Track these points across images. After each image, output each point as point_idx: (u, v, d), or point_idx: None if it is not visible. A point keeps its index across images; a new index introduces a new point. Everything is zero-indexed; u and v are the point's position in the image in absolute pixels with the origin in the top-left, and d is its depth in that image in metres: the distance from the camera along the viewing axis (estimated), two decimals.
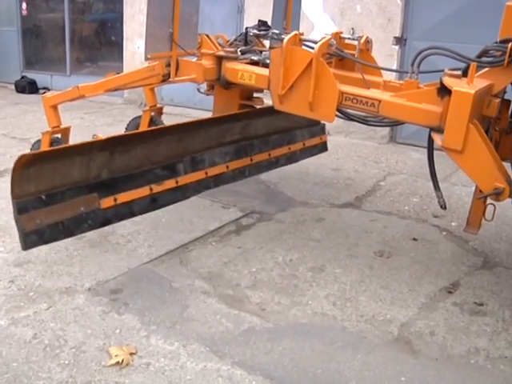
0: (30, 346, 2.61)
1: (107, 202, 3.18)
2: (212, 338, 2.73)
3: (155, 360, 2.55)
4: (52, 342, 2.64)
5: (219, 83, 4.09)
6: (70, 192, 3.02)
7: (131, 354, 2.57)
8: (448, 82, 2.82)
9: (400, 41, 6.56)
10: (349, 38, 3.81)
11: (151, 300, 3.04)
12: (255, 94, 4.49)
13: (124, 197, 3.26)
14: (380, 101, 3.09)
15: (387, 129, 6.68)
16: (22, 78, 10.24)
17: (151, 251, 3.63)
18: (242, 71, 3.78)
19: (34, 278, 3.22)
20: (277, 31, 4.10)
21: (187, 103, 8.16)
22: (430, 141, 3.07)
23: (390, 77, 3.71)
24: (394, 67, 6.39)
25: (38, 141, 4.73)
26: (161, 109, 5.36)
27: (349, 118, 3.40)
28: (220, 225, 4.10)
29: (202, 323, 2.85)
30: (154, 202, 3.46)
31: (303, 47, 3.46)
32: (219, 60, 3.93)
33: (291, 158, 4.66)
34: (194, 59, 4.00)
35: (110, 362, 2.50)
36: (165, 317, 2.89)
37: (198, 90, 4.55)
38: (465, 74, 2.86)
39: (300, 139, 4.72)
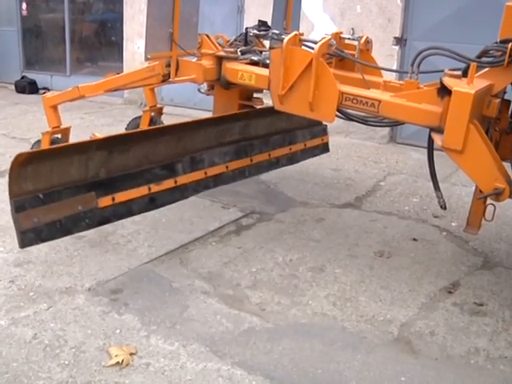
0: (30, 346, 2.61)
1: (105, 201, 3.18)
2: (212, 338, 2.73)
3: (155, 360, 2.55)
4: (52, 342, 2.64)
5: (219, 83, 4.09)
6: (67, 191, 3.02)
7: (131, 354, 2.57)
8: (448, 82, 2.82)
9: (400, 41, 6.56)
10: (349, 39, 3.81)
11: (151, 300, 3.04)
12: (255, 95, 4.49)
13: (122, 196, 3.27)
14: (380, 101, 3.09)
15: (387, 129, 6.68)
16: (22, 78, 10.24)
17: (151, 251, 3.63)
18: (242, 71, 3.78)
19: (34, 278, 3.22)
20: (277, 31, 4.10)
21: (187, 103, 8.16)
22: (430, 141, 3.07)
23: (390, 77, 3.71)
24: (394, 67, 6.39)
25: (38, 141, 4.73)
26: (161, 109, 5.36)
27: (349, 118, 3.40)
28: (220, 225, 4.10)
29: (202, 323, 2.85)
30: (153, 202, 3.46)
31: (303, 47, 3.46)
32: (219, 60, 3.93)
33: (292, 159, 4.65)
34: (194, 59, 4.00)
35: (110, 362, 2.50)
36: (165, 317, 2.89)
37: (199, 90, 4.55)
38: (465, 74, 2.86)
39: (301, 140, 4.71)
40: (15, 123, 7.36)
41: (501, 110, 3.05)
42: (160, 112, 5.34)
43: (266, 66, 3.69)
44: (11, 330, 2.72)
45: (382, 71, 3.80)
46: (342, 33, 3.78)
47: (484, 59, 2.97)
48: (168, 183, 3.53)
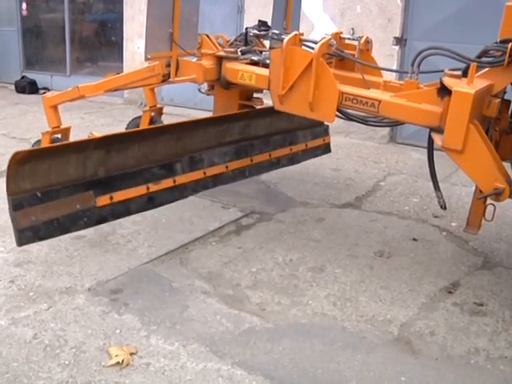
0: (30, 346, 2.61)
1: (103, 200, 3.18)
2: (212, 338, 2.73)
3: (155, 360, 2.55)
4: (52, 342, 2.64)
5: (219, 83, 4.09)
6: (65, 189, 3.03)
7: (131, 354, 2.57)
8: (448, 82, 2.82)
9: (400, 41, 6.56)
10: (349, 39, 3.81)
11: (151, 300, 3.04)
12: (255, 95, 4.49)
13: (120, 195, 3.27)
14: (380, 101, 3.09)
15: (387, 129, 6.68)
16: (22, 78, 10.24)
17: (151, 251, 3.63)
18: (242, 71, 3.78)
19: (34, 278, 3.22)
20: (277, 31, 4.10)
21: (187, 103, 8.16)
22: (430, 141, 3.07)
23: (390, 77, 3.71)
24: (394, 67, 6.39)
25: (38, 141, 4.73)
26: (161, 109, 5.36)
27: (349, 118, 3.40)
28: (220, 225, 4.10)
29: (202, 323, 2.85)
30: (151, 201, 3.46)
31: (303, 47, 3.46)
32: (219, 60, 3.93)
33: (293, 159, 4.64)
34: (194, 59, 4.00)
35: (110, 362, 2.50)
36: (165, 317, 2.89)
37: (199, 90, 4.55)
38: (465, 74, 2.86)
39: (302, 140, 4.70)
40: (15, 123, 7.36)
41: (501, 110, 3.05)
42: (160, 112, 5.34)
43: (266, 66, 3.69)
44: (11, 329, 2.72)
45: (382, 71, 3.80)
46: (342, 33, 3.78)
47: (484, 59, 2.97)
48: (167, 183, 3.53)
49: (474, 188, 3.44)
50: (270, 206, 4.54)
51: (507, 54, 2.83)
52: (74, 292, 3.09)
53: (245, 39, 4.16)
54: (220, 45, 4.09)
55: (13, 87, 10.13)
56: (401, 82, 3.26)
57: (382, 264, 3.59)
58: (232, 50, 4.00)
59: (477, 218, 3.36)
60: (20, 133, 6.74)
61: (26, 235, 2.89)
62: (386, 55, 6.37)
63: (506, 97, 3.18)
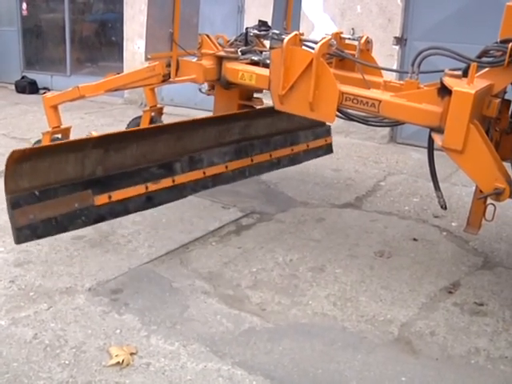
0: (31, 346, 2.61)
1: (101, 199, 3.19)
2: (212, 338, 2.73)
3: (155, 360, 2.55)
4: (52, 342, 2.64)
5: (220, 83, 4.09)
6: (64, 188, 3.03)
7: (131, 354, 2.57)
8: (448, 82, 2.82)
9: (400, 41, 6.56)
10: (349, 39, 3.81)
11: (151, 300, 3.04)
12: (255, 95, 4.49)
13: (119, 194, 3.27)
14: (380, 101, 3.09)
15: (387, 129, 6.68)
16: (23, 78, 10.24)
17: (151, 251, 3.63)
18: (243, 71, 3.78)
19: (34, 278, 3.22)
20: (277, 31, 4.10)
21: (188, 103, 8.16)
22: (431, 141, 3.07)
23: (390, 77, 3.71)
24: (395, 67, 6.39)
25: (39, 141, 4.73)
26: (161, 109, 5.36)
27: (349, 118, 3.40)
28: (220, 225, 4.10)
29: (202, 323, 2.85)
30: (150, 201, 3.46)
31: (303, 47, 3.46)
32: (219, 60, 3.93)
33: (295, 160, 4.64)
34: (195, 59, 4.00)
35: (110, 362, 2.50)
36: (165, 317, 2.89)
37: (200, 90, 4.55)
38: (465, 74, 2.86)
39: (303, 141, 4.69)
40: (15, 123, 7.36)
41: (501, 110, 3.05)
42: (160, 112, 5.34)
43: (266, 66, 3.69)
44: (11, 330, 2.72)
45: (383, 71, 3.80)
46: (342, 33, 3.78)
47: (484, 59, 2.97)
48: (166, 182, 3.53)
49: (474, 188, 3.44)
50: (270, 205, 4.54)
51: (507, 54, 2.83)
52: (75, 292, 3.09)
53: (245, 39, 4.16)
54: (220, 45, 4.09)
55: (13, 87, 10.13)
56: (401, 82, 3.26)
57: (382, 264, 3.59)
58: (232, 50, 4.00)
59: (477, 218, 3.36)
60: (20, 133, 6.74)
61: (24, 233, 2.90)
62: (386, 55, 6.37)
63: (506, 97, 3.18)
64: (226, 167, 3.95)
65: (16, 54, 10.49)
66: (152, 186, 3.44)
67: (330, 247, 3.81)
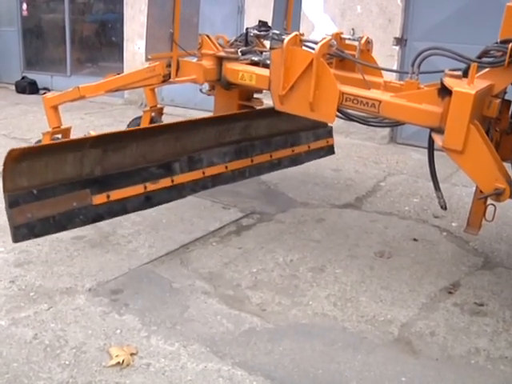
0: (31, 346, 2.61)
1: (100, 199, 3.19)
2: (212, 338, 2.73)
3: (156, 360, 2.55)
4: (52, 342, 2.64)
5: (220, 84, 4.09)
6: (62, 187, 3.04)
7: (132, 354, 2.57)
8: (448, 82, 2.82)
9: (400, 41, 6.57)
10: (349, 39, 3.81)
11: (152, 300, 3.04)
12: (255, 95, 4.49)
13: (117, 194, 3.28)
14: (380, 101, 3.09)
15: (387, 129, 6.68)
16: (23, 78, 10.25)
17: (152, 251, 3.63)
18: (243, 72, 3.78)
19: (34, 279, 3.22)
20: (277, 32, 4.10)
21: (188, 104, 8.16)
22: (431, 141, 3.07)
23: (390, 77, 3.72)
24: (395, 68, 6.39)
25: (39, 141, 4.73)
26: (161, 109, 5.35)
27: (349, 118, 3.40)
28: (220, 225, 4.10)
29: (202, 324, 2.85)
30: (149, 201, 3.46)
31: (304, 48, 3.46)
32: (220, 60, 3.93)
33: (296, 160, 4.63)
34: (195, 60, 4.00)
35: (110, 363, 2.50)
36: (165, 317, 2.89)
37: (201, 90, 4.55)
38: (465, 74, 2.86)
39: (305, 141, 4.68)
40: (15, 123, 7.36)
41: (501, 110, 3.05)
42: (160, 112, 5.34)
43: (266, 66, 3.69)
44: (11, 330, 2.72)
45: (383, 71, 3.80)
46: (342, 33, 3.78)
47: (484, 59, 2.97)
48: (164, 182, 3.53)
49: (474, 188, 3.44)
50: (270, 206, 4.54)
51: (508, 55, 2.83)
52: (75, 292, 3.09)
53: (245, 39, 4.16)
54: (220, 45, 4.09)
55: (13, 87, 10.14)
56: (401, 83, 3.27)
57: (382, 264, 3.59)
58: (232, 50, 4.00)
59: (477, 219, 3.36)
60: (20, 133, 6.75)
61: (22, 232, 2.91)
62: (386, 55, 6.37)
63: (507, 97, 3.18)
64: (226, 167, 3.95)
65: (16, 55, 10.50)
66: (151, 186, 3.44)
67: (330, 247, 3.81)
